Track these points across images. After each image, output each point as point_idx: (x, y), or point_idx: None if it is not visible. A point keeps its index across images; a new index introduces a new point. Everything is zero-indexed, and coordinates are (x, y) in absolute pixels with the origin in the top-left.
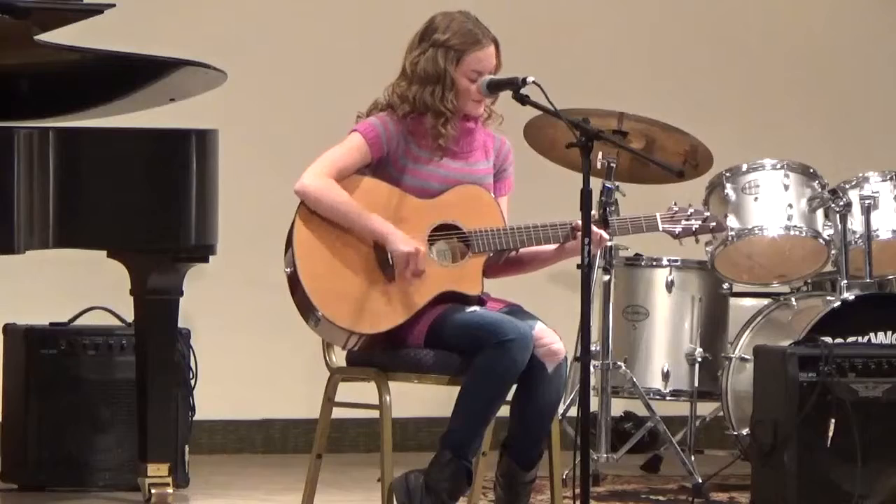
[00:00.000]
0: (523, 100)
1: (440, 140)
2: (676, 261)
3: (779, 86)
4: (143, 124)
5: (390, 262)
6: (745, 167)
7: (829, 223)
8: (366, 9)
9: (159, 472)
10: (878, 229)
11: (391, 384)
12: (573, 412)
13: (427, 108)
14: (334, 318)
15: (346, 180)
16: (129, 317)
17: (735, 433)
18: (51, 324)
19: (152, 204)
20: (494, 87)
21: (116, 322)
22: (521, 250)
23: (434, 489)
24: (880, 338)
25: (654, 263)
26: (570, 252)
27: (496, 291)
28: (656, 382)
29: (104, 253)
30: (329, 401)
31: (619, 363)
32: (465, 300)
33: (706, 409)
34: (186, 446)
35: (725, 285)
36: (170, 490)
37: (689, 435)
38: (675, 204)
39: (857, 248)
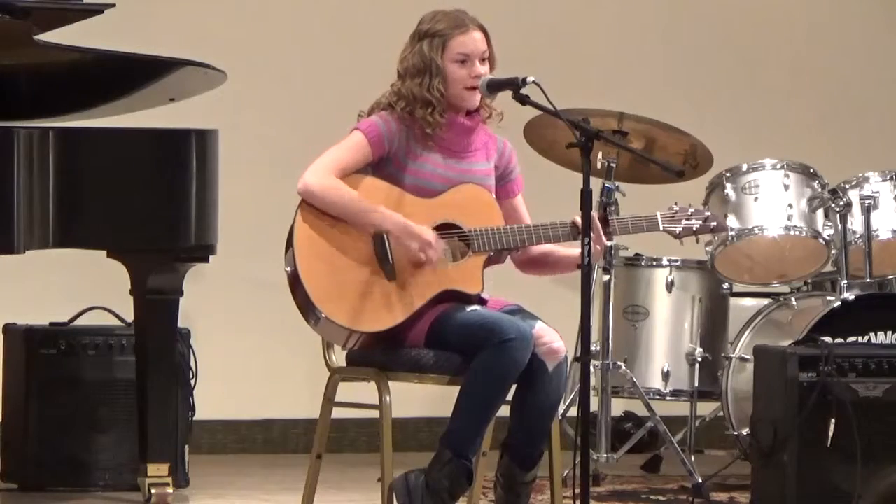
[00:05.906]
0: (523, 100)
1: (428, 129)
2: (676, 261)
3: (779, 86)
4: (143, 124)
5: (390, 260)
6: (745, 167)
7: (829, 223)
8: (366, 9)
9: (159, 472)
10: (878, 229)
11: (391, 384)
12: (573, 412)
13: (417, 100)
14: (334, 318)
15: (346, 179)
16: (129, 317)
17: (735, 433)
18: (51, 324)
19: (152, 204)
20: (494, 87)
21: (116, 322)
22: (556, 254)
23: (434, 489)
24: (880, 338)
25: (654, 263)
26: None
27: (496, 291)
28: (656, 382)
29: (104, 253)
30: (329, 401)
31: (619, 363)
32: (466, 299)
33: (706, 409)
34: (186, 446)
35: (725, 285)
36: (170, 490)
37: (689, 435)
38: (676, 204)
39: (857, 248)
